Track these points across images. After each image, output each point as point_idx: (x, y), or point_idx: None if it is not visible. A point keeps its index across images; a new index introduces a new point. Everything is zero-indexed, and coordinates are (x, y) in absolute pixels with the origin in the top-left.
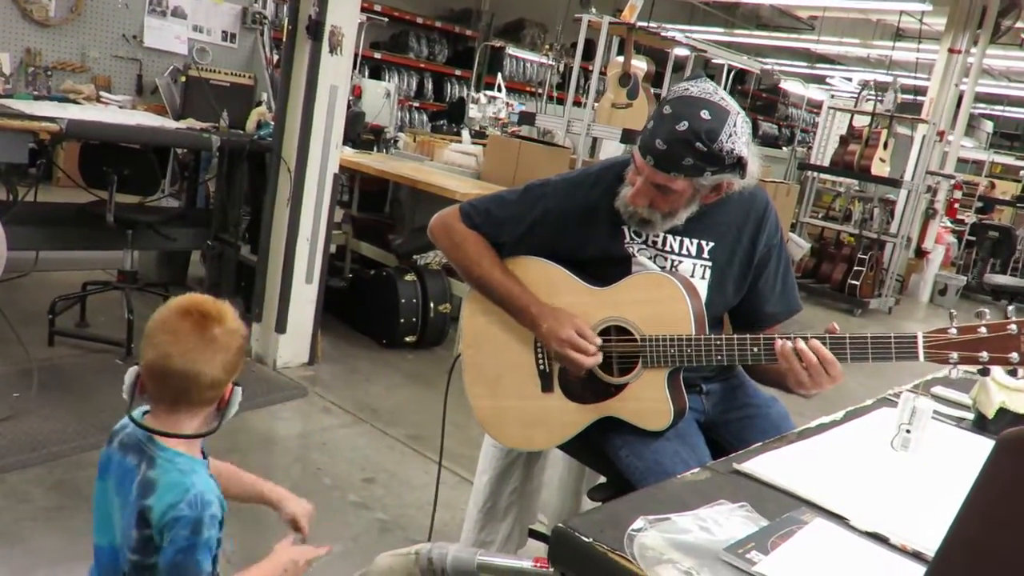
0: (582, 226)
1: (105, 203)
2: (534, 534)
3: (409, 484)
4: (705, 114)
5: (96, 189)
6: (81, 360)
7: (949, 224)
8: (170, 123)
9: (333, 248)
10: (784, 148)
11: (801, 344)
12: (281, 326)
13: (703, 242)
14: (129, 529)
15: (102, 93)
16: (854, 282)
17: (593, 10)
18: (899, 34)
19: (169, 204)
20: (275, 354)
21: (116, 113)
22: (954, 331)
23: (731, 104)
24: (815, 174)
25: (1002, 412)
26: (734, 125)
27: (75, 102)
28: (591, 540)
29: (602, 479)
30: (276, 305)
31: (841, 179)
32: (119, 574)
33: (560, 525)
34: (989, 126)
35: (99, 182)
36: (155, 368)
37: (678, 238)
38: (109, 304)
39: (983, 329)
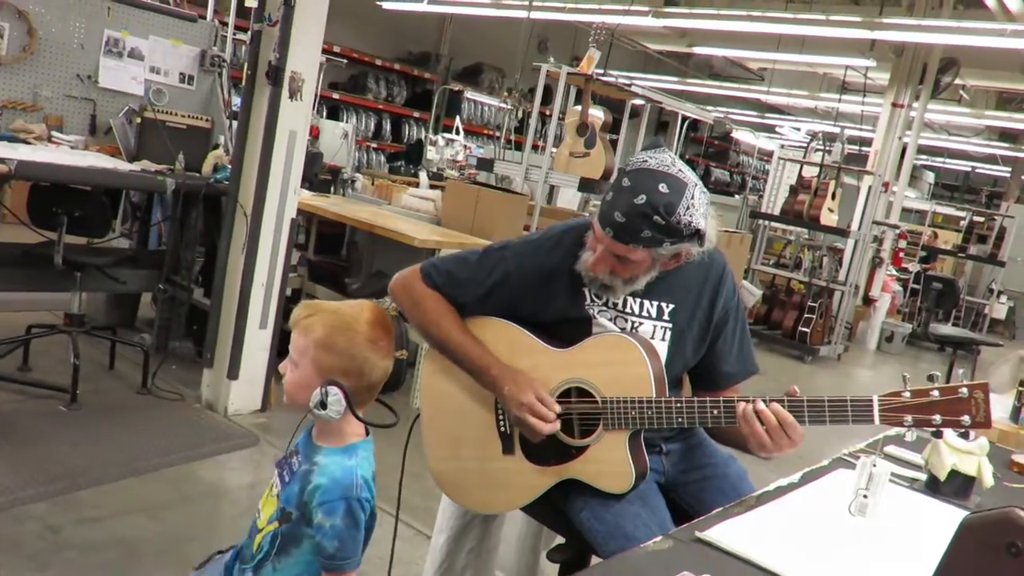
0: (542, 288)
1: (53, 244)
2: None
3: None
4: (663, 187)
5: (44, 230)
6: (22, 406)
7: (895, 272)
8: (124, 165)
9: (289, 291)
10: (736, 196)
11: (761, 405)
12: (233, 372)
13: (663, 304)
14: None
15: (54, 133)
16: (804, 329)
17: (551, 59)
18: (845, 87)
19: (119, 245)
20: (226, 401)
21: (67, 154)
22: (908, 394)
23: (688, 176)
24: (766, 222)
25: (954, 474)
26: (691, 197)
27: (25, 142)
28: None
29: (561, 539)
30: (229, 350)
31: (791, 227)
32: None
33: None
34: (931, 177)
35: (48, 223)
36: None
37: (638, 300)
38: (54, 347)
39: (936, 392)
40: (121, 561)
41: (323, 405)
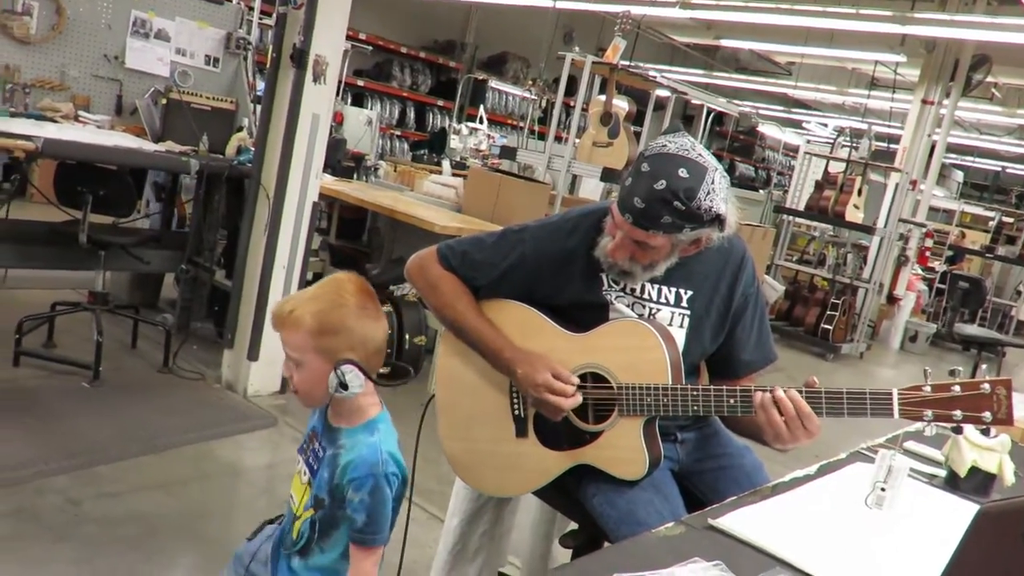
0: (559, 272)
1: (78, 223)
2: None
3: None
4: (683, 172)
5: (70, 208)
6: (47, 382)
7: (920, 272)
8: (149, 145)
9: (310, 275)
10: (761, 191)
11: (780, 392)
12: (253, 353)
13: (681, 291)
14: None
15: (80, 112)
16: (827, 326)
17: (576, 48)
18: (874, 83)
19: (143, 226)
20: (246, 382)
21: (94, 133)
22: (928, 389)
23: (708, 160)
24: (790, 218)
25: (974, 471)
26: (712, 182)
27: (53, 120)
28: None
29: (574, 525)
30: (249, 332)
31: (816, 224)
32: None
33: None
34: (960, 176)
35: (73, 201)
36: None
37: (656, 286)
38: (78, 325)
39: (957, 388)
40: (139, 536)
41: (344, 386)
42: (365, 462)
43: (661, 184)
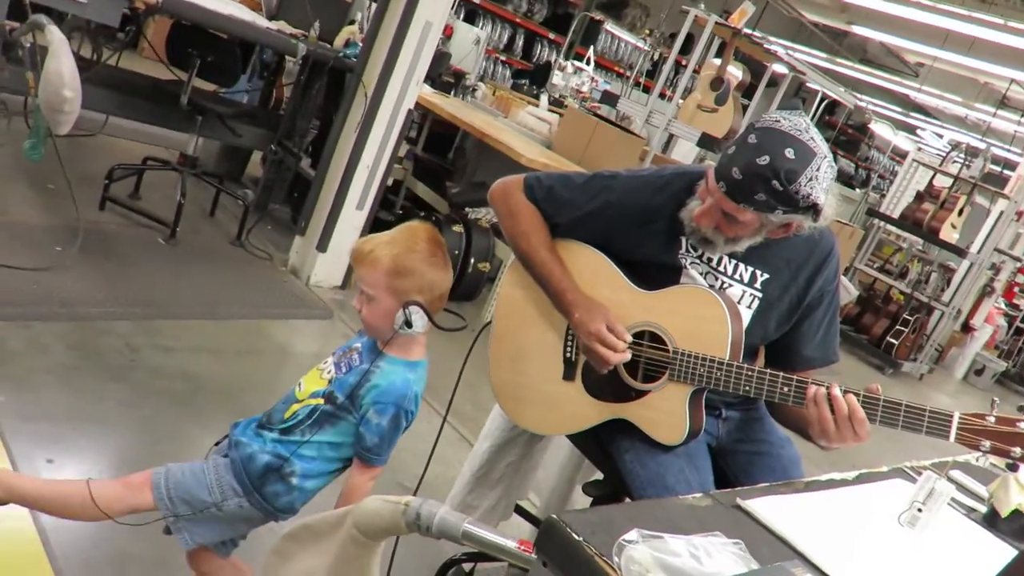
0: (640, 227)
1: (182, 84)
2: (520, 510)
3: (409, 429)
4: (789, 153)
5: (177, 68)
6: (126, 231)
7: (1003, 306)
8: (262, 21)
9: (390, 181)
10: (857, 189)
11: (836, 392)
12: (323, 245)
13: (758, 272)
14: None
15: None
16: (893, 340)
17: (702, 5)
18: (1004, 103)
19: (241, 100)
20: (310, 270)
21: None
22: (992, 419)
23: (820, 146)
24: (882, 223)
25: (1016, 514)
26: (817, 169)
27: None
28: (581, 539)
29: (599, 475)
30: (323, 223)
31: (907, 235)
32: None
33: (553, 516)
34: None
35: (181, 62)
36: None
37: (734, 262)
38: (164, 183)
39: (1022, 424)
40: (184, 393)
41: (409, 324)
42: (396, 392)
43: (764, 159)
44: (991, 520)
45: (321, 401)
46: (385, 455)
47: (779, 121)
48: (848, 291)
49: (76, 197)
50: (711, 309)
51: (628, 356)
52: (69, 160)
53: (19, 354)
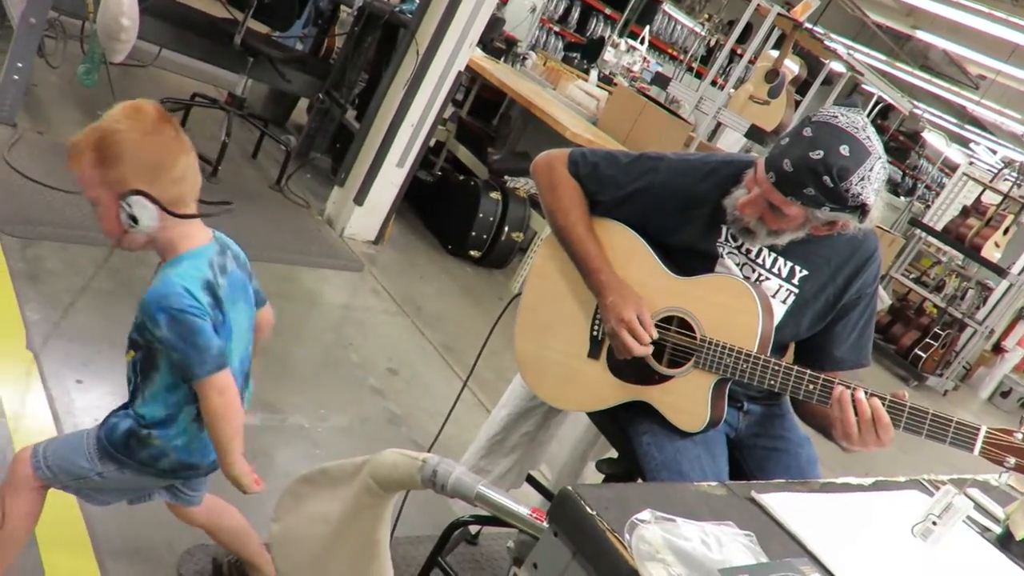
0: (681, 211)
1: (237, 24)
2: (531, 480)
3: (428, 389)
4: (844, 150)
5: (233, 7)
6: None
7: None
8: None
9: (432, 141)
10: (902, 198)
11: (860, 395)
12: (360, 198)
13: (797, 267)
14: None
15: None
16: (921, 353)
17: None
18: None
19: (293, 45)
20: (345, 222)
21: None
22: (1020, 436)
23: (875, 146)
24: (923, 234)
25: None
26: (870, 169)
27: None
28: (595, 513)
29: (612, 453)
30: (362, 177)
31: (947, 248)
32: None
33: (568, 488)
34: None
35: (238, 2)
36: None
37: (772, 255)
38: (210, 121)
39: None
40: None
41: (134, 220)
42: (155, 296)
43: (818, 154)
44: (1005, 542)
45: (132, 353)
46: (204, 363)
47: (837, 117)
48: (881, 299)
49: None
50: (743, 300)
51: (650, 350)
52: (119, 89)
53: (56, 274)
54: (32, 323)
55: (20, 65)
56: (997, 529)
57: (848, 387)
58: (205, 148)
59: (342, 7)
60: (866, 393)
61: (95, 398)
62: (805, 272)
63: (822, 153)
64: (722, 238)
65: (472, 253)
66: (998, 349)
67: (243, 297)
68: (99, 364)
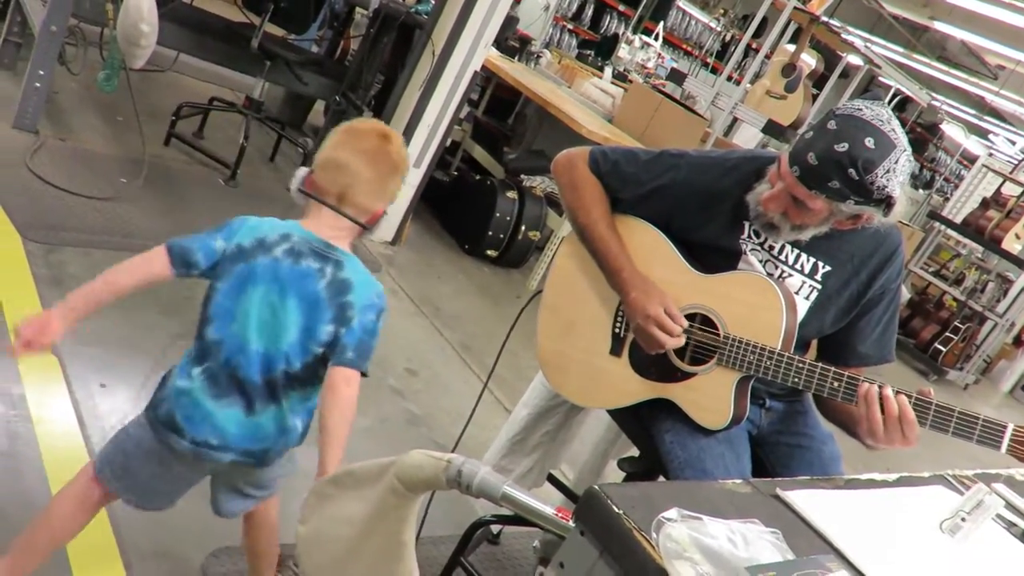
0: (704, 208)
1: (254, 28)
2: (552, 479)
3: (447, 389)
4: (869, 142)
5: (250, 12)
6: (189, 168)
7: None
8: None
9: (448, 141)
10: (920, 191)
11: (888, 392)
12: None
13: (820, 263)
14: (321, 324)
15: None
16: (940, 347)
17: None
18: None
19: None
20: None
21: None
22: None
23: (900, 138)
24: (942, 227)
25: None
26: (895, 161)
27: None
28: (621, 512)
29: (633, 451)
30: None
31: (967, 241)
32: (270, 373)
33: (595, 488)
34: None
35: (254, 6)
36: (330, 161)
37: (796, 251)
38: (227, 124)
39: None
40: None
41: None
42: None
43: (843, 147)
44: None
45: None
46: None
47: (861, 109)
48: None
49: (144, 131)
50: (767, 297)
51: (682, 342)
52: (138, 94)
53: (78, 279)
54: None
55: (42, 73)
56: (1023, 525)
57: (873, 383)
58: (223, 151)
59: (357, 9)
60: (893, 391)
61: (119, 402)
62: (828, 268)
63: (847, 145)
64: (745, 234)
65: (489, 252)
66: (1019, 342)
67: (278, 290)
68: (123, 368)
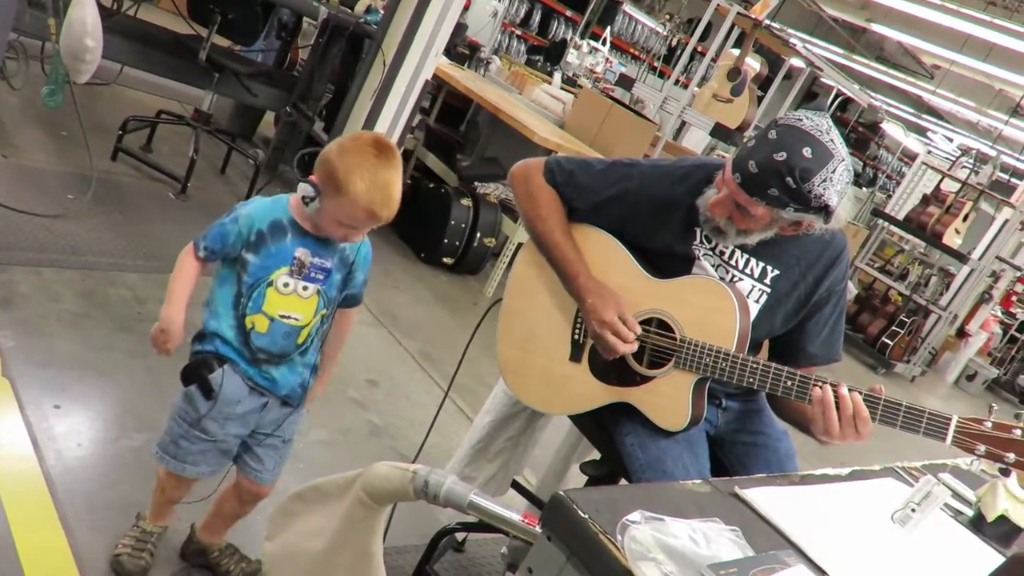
0: (657, 216)
1: (201, 39)
2: (516, 486)
3: (408, 398)
4: (807, 152)
5: (197, 24)
6: (138, 183)
7: (999, 314)
8: None
9: (401, 150)
10: (864, 188)
11: (843, 391)
12: None
13: (769, 267)
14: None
15: None
16: (888, 341)
17: None
18: (1016, 111)
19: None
20: None
21: None
22: (989, 424)
23: (839, 149)
24: (886, 224)
25: (1001, 519)
26: (833, 171)
27: None
28: (587, 516)
29: (595, 455)
30: None
31: (910, 237)
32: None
33: (560, 493)
34: None
35: (201, 18)
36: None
37: (745, 256)
38: (177, 138)
39: (1018, 432)
40: (189, 345)
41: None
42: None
43: (781, 156)
44: (977, 524)
45: (325, 312)
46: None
47: (801, 120)
48: (847, 290)
49: (90, 146)
50: (721, 301)
51: (636, 347)
52: (83, 109)
53: (29, 299)
54: (7, 350)
55: None
56: (969, 512)
57: (826, 383)
58: (173, 165)
59: (305, 19)
60: (848, 389)
61: (75, 422)
62: (777, 272)
63: (785, 155)
64: (697, 240)
65: (446, 260)
66: (962, 334)
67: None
68: (77, 388)
